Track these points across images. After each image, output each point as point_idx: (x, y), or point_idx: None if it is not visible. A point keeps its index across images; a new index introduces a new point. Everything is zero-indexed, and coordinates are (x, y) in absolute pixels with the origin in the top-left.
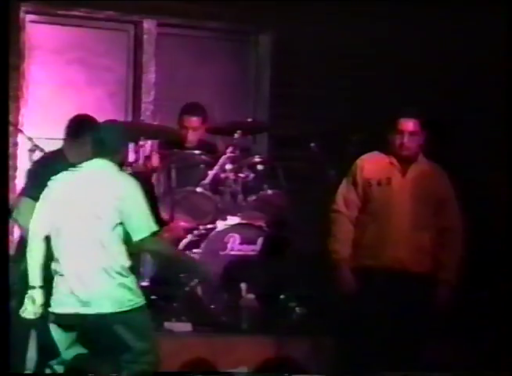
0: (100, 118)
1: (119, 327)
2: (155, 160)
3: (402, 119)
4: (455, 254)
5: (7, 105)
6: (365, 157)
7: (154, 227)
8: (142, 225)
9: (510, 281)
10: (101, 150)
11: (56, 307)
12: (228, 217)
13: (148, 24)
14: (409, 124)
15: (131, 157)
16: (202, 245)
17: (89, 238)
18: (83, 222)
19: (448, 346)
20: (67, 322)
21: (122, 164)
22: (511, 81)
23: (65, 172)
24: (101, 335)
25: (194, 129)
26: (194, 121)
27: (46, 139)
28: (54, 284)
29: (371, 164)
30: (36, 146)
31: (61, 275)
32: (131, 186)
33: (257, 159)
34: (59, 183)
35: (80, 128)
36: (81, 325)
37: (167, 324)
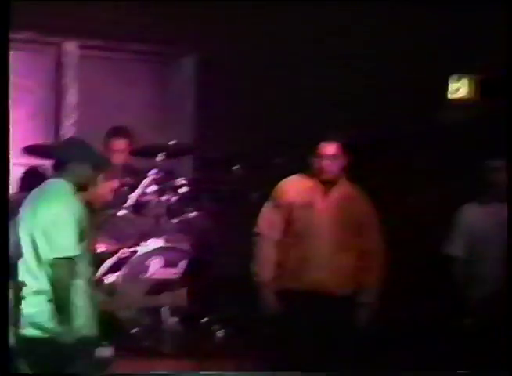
0: (21, 140)
1: None
2: None
3: (323, 142)
4: (375, 276)
5: (7, 105)
6: (288, 179)
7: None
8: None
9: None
10: (56, 169)
11: None
12: (151, 240)
13: (69, 46)
14: (330, 148)
15: None
16: (123, 268)
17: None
18: (25, 240)
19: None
20: None
21: (82, 186)
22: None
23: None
24: None
25: (120, 152)
26: (120, 143)
27: None
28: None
29: (294, 186)
30: None
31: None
32: (56, 210)
33: (180, 181)
34: (27, 199)
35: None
36: None
37: None
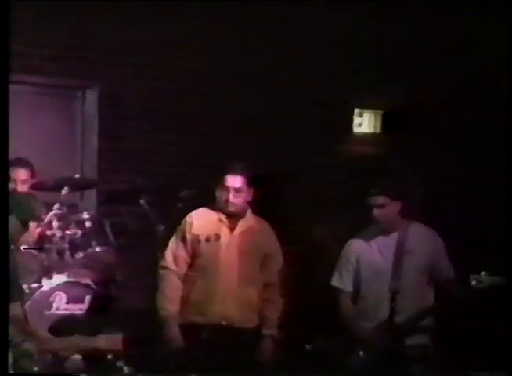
0: None
1: None
2: None
3: (228, 175)
4: (277, 308)
5: (7, 106)
6: (194, 213)
7: None
8: None
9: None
10: None
11: None
12: (55, 275)
13: None
14: (234, 181)
15: None
16: (27, 305)
17: None
18: None
19: None
20: None
21: None
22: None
23: None
24: None
25: (22, 182)
26: (22, 173)
27: None
28: None
29: (200, 220)
30: None
31: None
32: None
33: (84, 215)
34: None
35: None
36: None
37: None
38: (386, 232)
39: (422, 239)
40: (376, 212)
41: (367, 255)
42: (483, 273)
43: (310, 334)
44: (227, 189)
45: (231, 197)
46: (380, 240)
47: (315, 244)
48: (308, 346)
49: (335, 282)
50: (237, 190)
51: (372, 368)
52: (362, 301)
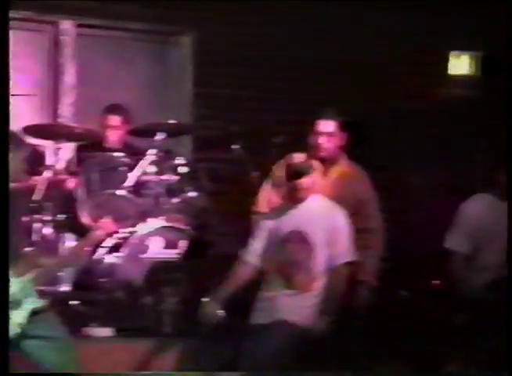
0: (19, 120)
1: None
2: (75, 163)
3: (321, 120)
4: (374, 255)
5: (7, 105)
6: (287, 159)
7: None
8: None
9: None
10: None
11: None
12: (151, 220)
13: (66, 25)
14: (327, 125)
15: (51, 161)
16: (123, 249)
17: None
18: None
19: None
20: None
21: None
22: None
23: None
24: None
25: (115, 129)
26: (115, 119)
27: None
28: None
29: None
30: None
31: None
32: None
33: (179, 161)
34: None
35: None
36: None
37: (87, 329)
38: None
39: None
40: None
41: (485, 221)
42: None
43: (405, 282)
44: (319, 133)
45: (322, 141)
46: (499, 206)
47: (409, 192)
48: (403, 292)
49: (450, 243)
50: (329, 135)
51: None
52: (474, 264)
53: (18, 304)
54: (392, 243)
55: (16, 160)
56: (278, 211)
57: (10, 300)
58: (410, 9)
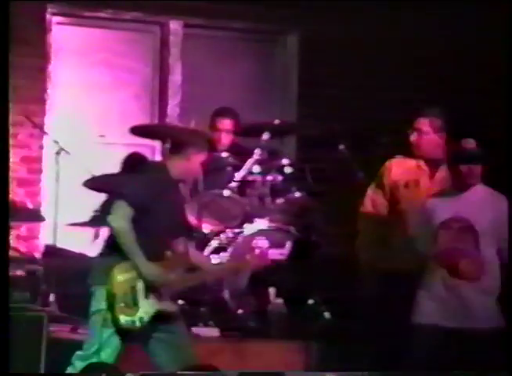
0: (126, 120)
1: None
2: None
3: (424, 118)
4: None
5: (7, 106)
6: (393, 159)
7: None
8: None
9: None
10: None
11: None
12: (256, 220)
13: (174, 25)
14: (427, 124)
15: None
16: (229, 249)
17: None
18: None
19: None
20: None
21: None
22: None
23: None
24: None
25: (227, 132)
26: (227, 123)
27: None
28: None
29: (399, 166)
30: (62, 148)
31: None
32: None
33: (285, 161)
34: None
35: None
36: None
37: (194, 329)
38: None
39: None
40: None
41: None
42: None
43: None
44: (421, 132)
45: (424, 141)
46: None
47: None
48: None
49: None
50: (430, 133)
51: None
52: None
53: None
54: None
55: None
56: (440, 196)
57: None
58: None
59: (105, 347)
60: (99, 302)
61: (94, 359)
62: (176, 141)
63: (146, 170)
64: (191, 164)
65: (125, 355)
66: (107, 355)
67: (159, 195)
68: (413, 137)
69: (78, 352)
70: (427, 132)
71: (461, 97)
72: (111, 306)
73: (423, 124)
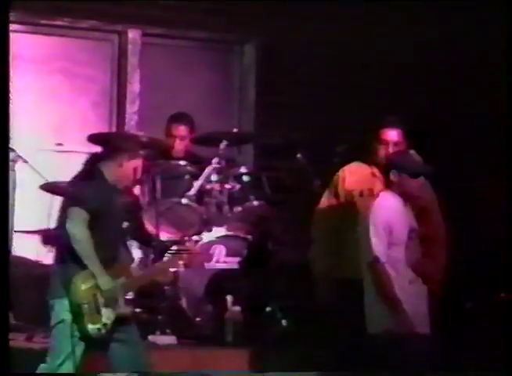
0: (84, 129)
1: None
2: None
3: (386, 129)
4: (438, 263)
5: (7, 109)
6: (346, 167)
7: None
8: None
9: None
10: None
11: None
12: (214, 228)
13: (133, 34)
14: (393, 134)
15: None
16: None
17: None
18: None
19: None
20: None
21: None
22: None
23: None
24: None
25: (181, 138)
26: (182, 129)
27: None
28: None
29: (353, 174)
30: (18, 156)
31: None
32: None
33: (242, 170)
34: None
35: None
36: None
37: (151, 337)
38: None
39: None
40: None
41: None
42: None
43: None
44: (385, 142)
45: (388, 150)
46: None
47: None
48: (468, 304)
49: None
50: (395, 144)
51: None
52: None
53: (112, 302)
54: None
55: None
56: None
57: (108, 296)
58: None
59: (70, 358)
60: (60, 314)
61: (60, 371)
62: (108, 147)
63: (86, 176)
64: (124, 170)
65: (88, 362)
66: (72, 365)
67: (103, 200)
68: (377, 147)
69: (42, 365)
70: (395, 143)
71: (421, 107)
72: (78, 316)
73: (391, 135)
